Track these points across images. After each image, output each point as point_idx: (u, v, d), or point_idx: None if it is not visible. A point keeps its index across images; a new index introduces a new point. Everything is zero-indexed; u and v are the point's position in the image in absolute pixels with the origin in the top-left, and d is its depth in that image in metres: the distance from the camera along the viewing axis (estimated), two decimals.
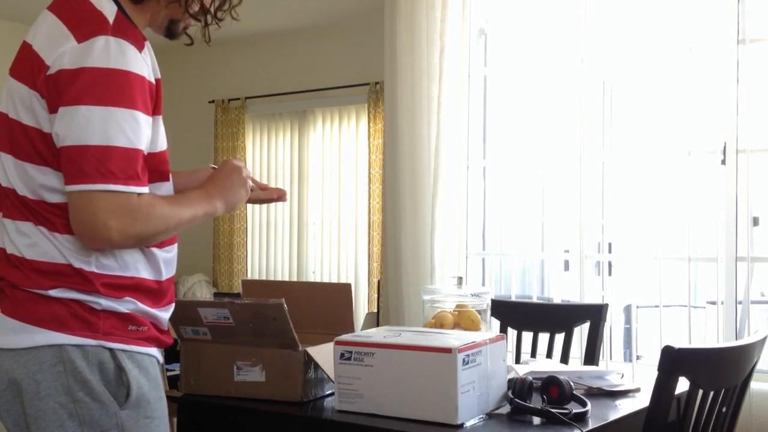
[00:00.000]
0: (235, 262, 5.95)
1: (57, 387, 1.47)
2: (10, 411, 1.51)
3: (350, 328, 2.30)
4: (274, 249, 5.94)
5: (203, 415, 2.12)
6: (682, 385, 1.74)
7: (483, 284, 4.46)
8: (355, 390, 1.88)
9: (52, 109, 1.47)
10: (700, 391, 1.77)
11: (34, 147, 1.50)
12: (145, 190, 1.50)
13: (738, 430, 2.03)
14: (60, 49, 1.46)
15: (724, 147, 3.54)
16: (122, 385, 1.51)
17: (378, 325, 4.44)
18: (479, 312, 2.38)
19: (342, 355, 1.90)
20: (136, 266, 1.56)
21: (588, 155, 3.96)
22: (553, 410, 1.84)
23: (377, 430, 1.80)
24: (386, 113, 4.44)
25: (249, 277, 5.93)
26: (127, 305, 1.53)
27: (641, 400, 2.04)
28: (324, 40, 5.67)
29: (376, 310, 4.74)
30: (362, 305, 5.33)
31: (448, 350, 1.78)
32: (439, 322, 2.34)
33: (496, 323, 2.94)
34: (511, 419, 1.88)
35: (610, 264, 4.39)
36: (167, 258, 1.63)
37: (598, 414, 1.92)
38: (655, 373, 1.73)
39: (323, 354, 2.00)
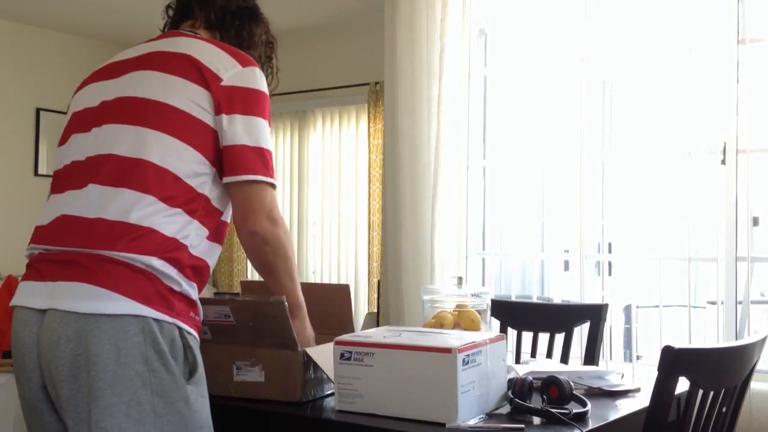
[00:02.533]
0: (235, 262, 5.94)
1: (136, 355, 1.53)
2: (77, 376, 1.53)
3: (350, 329, 2.30)
4: None
5: None
6: (682, 385, 1.74)
7: (483, 284, 4.46)
8: (355, 390, 1.88)
9: None
10: (700, 391, 1.77)
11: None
12: None
13: (738, 430, 2.03)
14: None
15: (724, 147, 3.54)
16: (186, 362, 1.61)
17: (378, 325, 4.44)
18: (479, 312, 2.37)
19: (342, 355, 1.89)
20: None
21: (588, 155, 3.96)
22: (553, 410, 1.83)
23: (377, 430, 1.80)
24: (386, 113, 4.43)
25: (249, 277, 5.91)
26: (194, 293, 1.66)
27: (641, 400, 2.04)
28: (324, 40, 5.66)
29: (376, 310, 4.74)
30: (362, 305, 5.32)
31: (448, 350, 1.78)
32: (439, 322, 2.34)
33: (496, 323, 2.94)
34: (511, 419, 1.88)
35: (610, 264, 4.39)
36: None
37: (598, 414, 1.92)
38: (655, 373, 1.72)
39: (323, 354, 2.00)
